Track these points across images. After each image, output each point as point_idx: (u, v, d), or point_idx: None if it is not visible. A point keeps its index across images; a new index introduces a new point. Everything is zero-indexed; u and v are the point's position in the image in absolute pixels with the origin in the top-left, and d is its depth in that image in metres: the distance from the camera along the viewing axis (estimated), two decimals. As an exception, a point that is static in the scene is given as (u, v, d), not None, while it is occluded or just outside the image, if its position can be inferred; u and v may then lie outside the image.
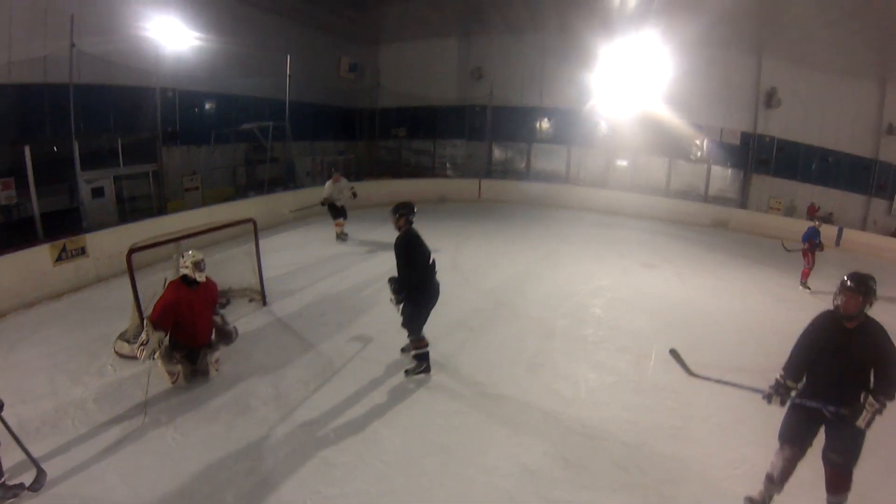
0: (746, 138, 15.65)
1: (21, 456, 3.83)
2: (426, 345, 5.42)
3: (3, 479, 3.80)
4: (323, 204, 11.32)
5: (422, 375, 5.42)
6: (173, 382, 5.29)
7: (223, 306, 7.63)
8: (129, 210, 12.34)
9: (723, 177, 16.22)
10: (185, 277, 5.32)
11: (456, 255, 10.55)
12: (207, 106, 14.37)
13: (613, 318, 7.37)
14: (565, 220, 15.08)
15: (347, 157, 19.59)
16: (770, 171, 15.61)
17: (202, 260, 5.36)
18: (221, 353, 5.70)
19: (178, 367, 5.32)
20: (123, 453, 4.27)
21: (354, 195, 11.58)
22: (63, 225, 10.58)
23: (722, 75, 15.18)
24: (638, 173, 17.20)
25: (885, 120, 13.81)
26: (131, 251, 5.90)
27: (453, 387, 5.32)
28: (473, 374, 5.52)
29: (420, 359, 5.43)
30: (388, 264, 8.46)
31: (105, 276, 9.01)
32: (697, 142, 16.33)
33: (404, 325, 5.34)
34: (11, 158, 10.11)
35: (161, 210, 12.71)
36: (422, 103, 20.07)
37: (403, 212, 5.18)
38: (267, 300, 7.71)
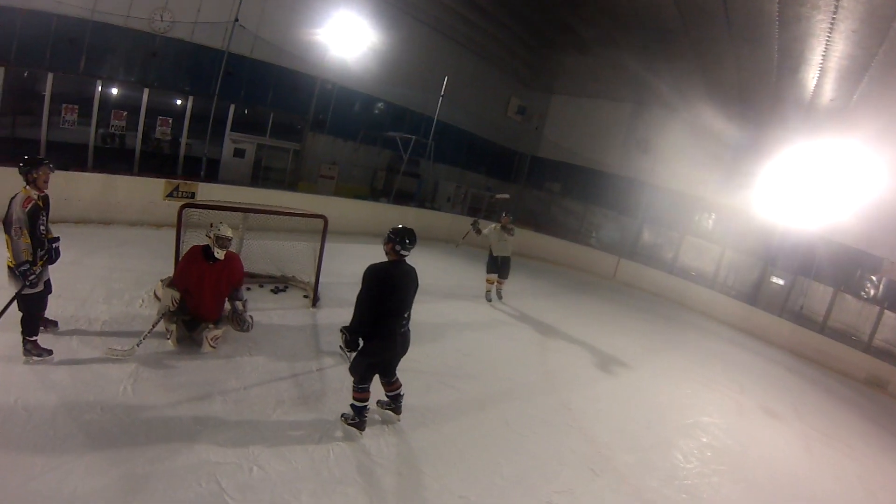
0: (936, 286, 12.14)
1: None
2: (366, 399, 4.33)
3: (36, 338, 4.34)
4: (473, 225, 9.81)
5: (353, 431, 4.32)
6: (168, 338, 5.07)
7: (278, 291, 7.42)
8: (262, 178, 12.98)
9: (895, 326, 12.75)
10: (206, 248, 4.97)
11: (549, 333, 8.95)
12: (363, 106, 14.83)
13: (694, 475, 5.30)
14: (695, 326, 12.81)
15: (493, 196, 19.08)
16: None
17: (227, 237, 5.06)
18: (230, 334, 5.40)
19: (174, 327, 5.03)
20: (77, 378, 4.24)
21: (510, 231, 9.50)
22: (204, 171, 11.73)
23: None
24: (794, 297, 14.27)
25: None
26: (184, 206, 5.90)
27: (429, 485, 3.93)
28: (466, 481, 4.08)
29: (355, 410, 4.34)
30: (482, 338, 7.80)
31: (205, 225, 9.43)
32: (873, 277, 13.14)
33: (350, 369, 4.37)
34: (175, 103, 11.51)
35: (292, 186, 13.29)
36: (581, 163, 19.10)
37: (395, 238, 4.17)
38: (319, 303, 7.23)
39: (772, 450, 6.54)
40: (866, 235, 12.70)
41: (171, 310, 4.99)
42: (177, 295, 4.98)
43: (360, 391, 4.29)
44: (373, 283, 4.03)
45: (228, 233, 5.05)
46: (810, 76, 11.46)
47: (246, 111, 12.55)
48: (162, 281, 6.34)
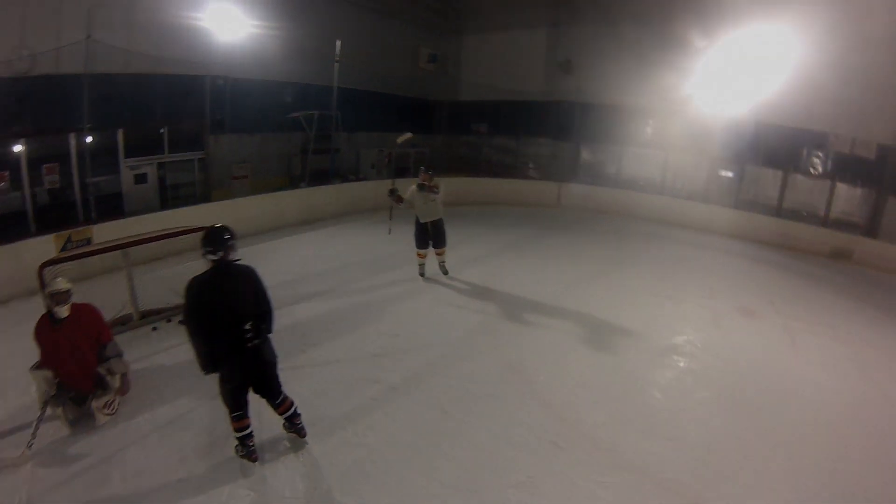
0: (884, 152, 11.99)
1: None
2: (245, 426, 3.91)
3: None
4: (391, 195, 7.89)
5: (247, 462, 3.94)
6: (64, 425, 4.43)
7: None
8: (172, 197, 12.11)
9: (849, 197, 12.68)
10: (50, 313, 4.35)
11: (489, 284, 8.14)
12: (261, 93, 13.72)
13: (678, 414, 4.73)
14: (652, 236, 12.59)
15: (421, 150, 18.33)
16: (912, 194, 11.86)
17: (61, 291, 4.34)
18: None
19: (60, 411, 4.40)
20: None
21: (432, 188, 7.72)
22: (107, 209, 10.65)
23: (858, 75, 11.55)
24: (745, 186, 14.20)
25: None
26: (44, 265, 5.20)
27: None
28: (398, 501, 3.59)
29: (239, 441, 3.94)
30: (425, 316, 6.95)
31: (111, 269, 8.50)
32: (820, 154, 13.08)
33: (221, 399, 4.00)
34: (58, 146, 10.28)
35: (206, 198, 12.44)
36: (506, 97, 18.39)
37: (202, 245, 3.66)
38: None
39: (758, 356, 6.18)
40: (805, 113, 12.47)
41: (52, 393, 4.35)
42: (49, 374, 4.36)
43: (235, 420, 3.88)
44: (190, 298, 3.57)
45: (63, 286, 4.36)
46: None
47: (143, 132, 11.60)
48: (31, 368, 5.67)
